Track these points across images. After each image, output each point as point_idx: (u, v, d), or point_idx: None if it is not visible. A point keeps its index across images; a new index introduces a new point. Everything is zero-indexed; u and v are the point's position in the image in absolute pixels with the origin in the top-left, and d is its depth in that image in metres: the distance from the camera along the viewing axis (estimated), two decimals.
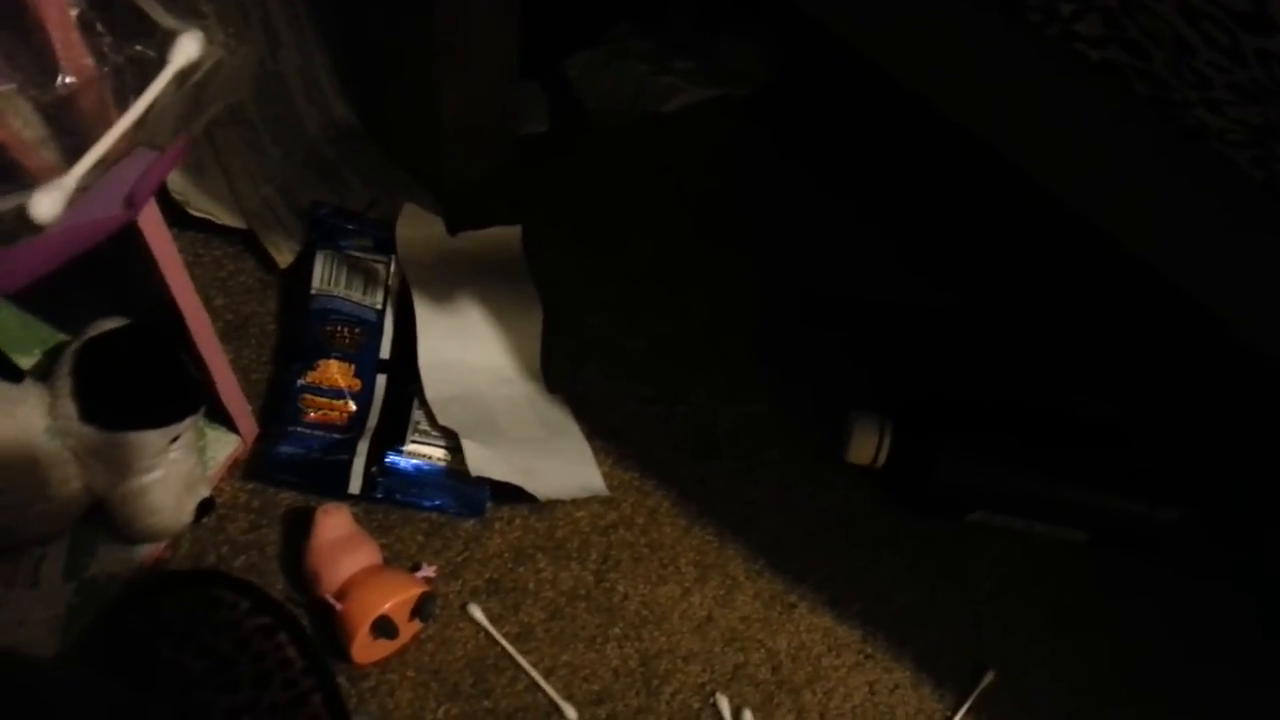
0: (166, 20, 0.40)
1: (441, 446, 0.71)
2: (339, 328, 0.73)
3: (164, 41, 0.41)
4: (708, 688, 0.70)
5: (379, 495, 0.69)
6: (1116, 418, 0.79)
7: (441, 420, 0.71)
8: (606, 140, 0.89)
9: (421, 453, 0.71)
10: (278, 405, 0.71)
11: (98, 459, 0.59)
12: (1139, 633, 0.78)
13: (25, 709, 0.36)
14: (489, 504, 0.72)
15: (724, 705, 0.69)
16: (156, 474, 0.61)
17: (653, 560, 0.73)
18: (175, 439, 0.61)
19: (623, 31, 0.94)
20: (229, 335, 0.74)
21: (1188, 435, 0.82)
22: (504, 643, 0.68)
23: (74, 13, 0.39)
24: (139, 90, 0.40)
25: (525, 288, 0.80)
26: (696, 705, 0.69)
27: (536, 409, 0.76)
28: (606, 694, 0.68)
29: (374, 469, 0.69)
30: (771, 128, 0.94)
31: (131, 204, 0.47)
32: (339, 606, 0.63)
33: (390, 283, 0.76)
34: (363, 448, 0.69)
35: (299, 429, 0.69)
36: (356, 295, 0.74)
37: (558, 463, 0.73)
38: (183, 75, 0.41)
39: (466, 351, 0.76)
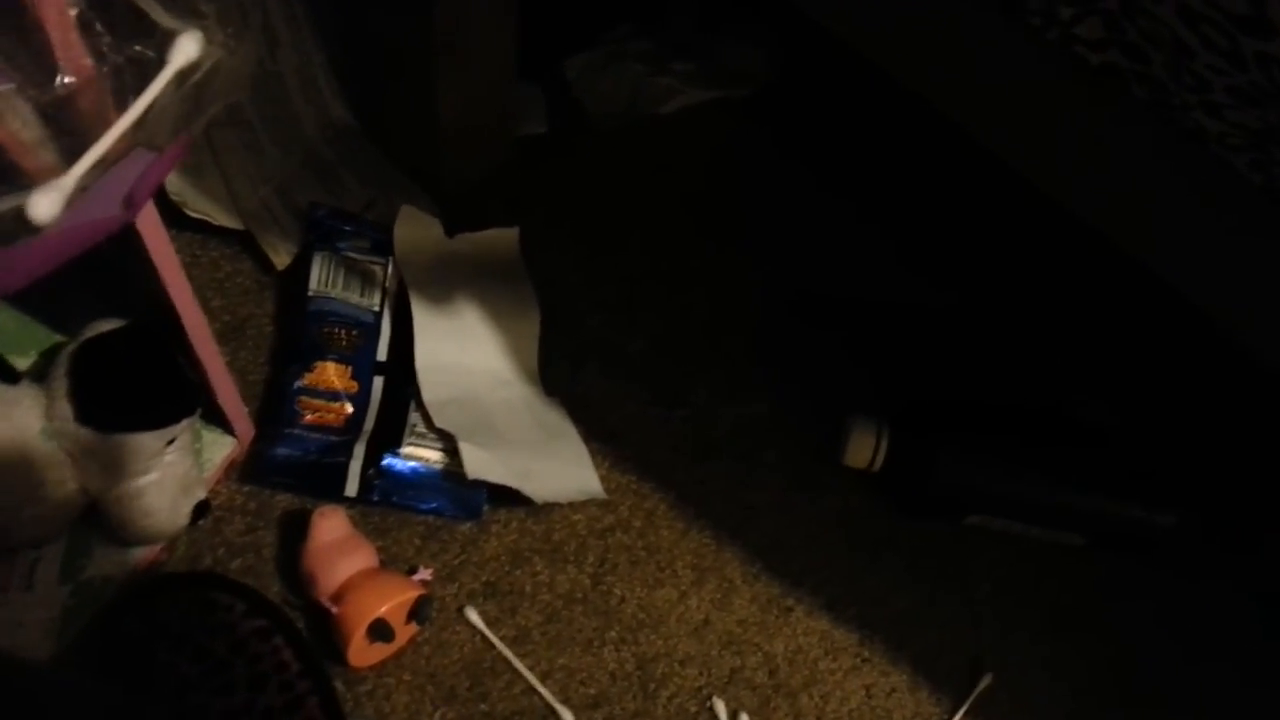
0: (166, 20, 0.40)
1: (438, 449, 0.71)
2: (336, 329, 0.73)
3: (163, 41, 0.41)
4: (704, 691, 0.70)
5: (375, 498, 0.69)
6: (1114, 419, 0.80)
7: (439, 423, 0.71)
8: (605, 141, 0.89)
9: (418, 455, 0.71)
10: (274, 407, 0.70)
11: (94, 461, 0.59)
12: (1138, 635, 0.78)
13: (20, 713, 0.36)
14: (486, 507, 0.71)
15: (721, 709, 0.69)
16: (152, 476, 0.61)
17: (650, 563, 0.73)
18: (171, 441, 0.61)
19: (622, 33, 0.94)
20: (226, 337, 0.73)
21: (1185, 438, 0.82)
22: (501, 646, 0.68)
23: (73, 12, 0.39)
24: (138, 90, 0.40)
25: (523, 289, 0.80)
26: (693, 709, 0.69)
27: (534, 411, 0.75)
28: (603, 697, 0.68)
29: (371, 471, 0.69)
30: (771, 129, 0.94)
31: (130, 205, 0.46)
32: (335, 610, 0.63)
33: (388, 284, 0.76)
34: (359, 450, 0.69)
35: (295, 431, 0.69)
36: (354, 297, 0.74)
37: (555, 465, 0.73)
38: (182, 76, 0.41)
39: (464, 354, 0.76)
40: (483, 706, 0.66)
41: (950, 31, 0.51)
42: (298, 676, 0.61)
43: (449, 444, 0.70)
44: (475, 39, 0.73)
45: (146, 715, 0.50)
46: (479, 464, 0.69)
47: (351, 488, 0.68)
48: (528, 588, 0.70)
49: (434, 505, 0.70)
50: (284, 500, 0.69)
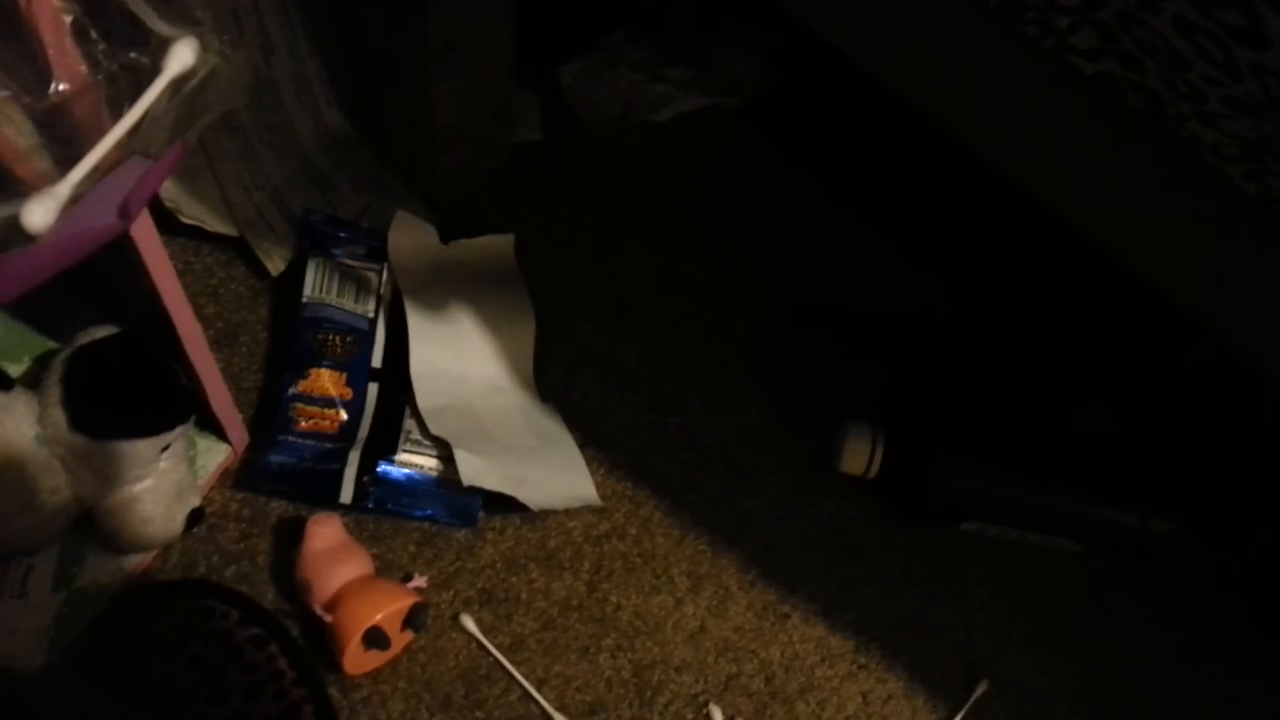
0: (161, 27, 0.40)
1: (433, 456, 0.71)
2: (330, 336, 0.72)
3: (159, 49, 0.40)
4: (701, 698, 0.70)
5: (370, 505, 0.69)
6: (1112, 426, 0.80)
7: (433, 429, 0.71)
8: (600, 148, 0.89)
9: (413, 462, 0.70)
10: (269, 414, 0.70)
11: (87, 468, 0.59)
12: (1134, 641, 0.78)
13: None
14: (481, 514, 0.71)
15: (717, 716, 0.69)
16: (146, 483, 0.60)
17: (645, 570, 0.73)
18: (165, 448, 0.61)
19: (617, 39, 0.94)
20: (220, 343, 0.73)
21: (1181, 445, 0.82)
22: (496, 653, 0.68)
23: (68, 19, 0.38)
24: (133, 98, 0.40)
25: (518, 296, 0.80)
26: (690, 716, 0.69)
27: (529, 418, 0.75)
28: (599, 705, 0.68)
29: (365, 478, 0.69)
30: (766, 135, 0.94)
31: (125, 213, 0.46)
32: (330, 618, 0.62)
33: (382, 291, 0.76)
34: (354, 457, 0.69)
35: (290, 438, 0.69)
36: (348, 303, 0.74)
37: (550, 472, 0.73)
38: (177, 83, 0.41)
39: (459, 360, 0.75)
40: (478, 714, 0.66)
41: (944, 40, 0.52)
42: (293, 684, 0.61)
43: (444, 451, 0.70)
44: (471, 45, 0.73)
45: None
46: (474, 471, 0.69)
47: (346, 495, 0.68)
48: (523, 595, 0.70)
49: (429, 512, 0.70)
50: (278, 507, 0.69)
